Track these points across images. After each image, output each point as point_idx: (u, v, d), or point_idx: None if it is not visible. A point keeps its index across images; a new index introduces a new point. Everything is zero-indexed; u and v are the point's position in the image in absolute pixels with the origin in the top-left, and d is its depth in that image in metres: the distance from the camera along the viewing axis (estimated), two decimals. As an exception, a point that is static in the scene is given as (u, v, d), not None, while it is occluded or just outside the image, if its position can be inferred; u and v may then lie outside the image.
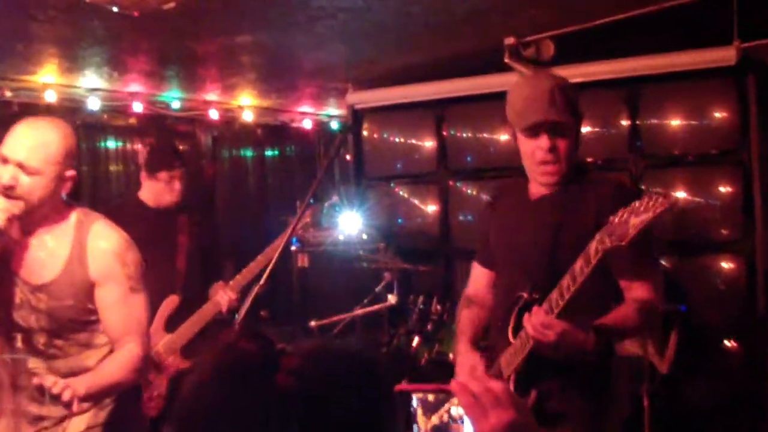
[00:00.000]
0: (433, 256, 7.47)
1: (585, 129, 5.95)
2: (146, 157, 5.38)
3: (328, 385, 1.46)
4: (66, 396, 2.86)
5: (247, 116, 9.06)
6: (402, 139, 7.92)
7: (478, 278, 3.70)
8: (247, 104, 8.85)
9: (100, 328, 3.26)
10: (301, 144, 10.18)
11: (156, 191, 5.22)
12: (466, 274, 3.86)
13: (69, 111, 7.34)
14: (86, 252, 3.18)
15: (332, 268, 7.62)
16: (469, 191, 7.54)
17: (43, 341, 3.19)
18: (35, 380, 2.90)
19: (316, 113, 9.85)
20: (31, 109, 6.79)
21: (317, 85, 8.05)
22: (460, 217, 7.59)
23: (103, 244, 3.19)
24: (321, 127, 10.20)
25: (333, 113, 9.93)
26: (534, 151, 3.24)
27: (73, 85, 7.18)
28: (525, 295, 3.19)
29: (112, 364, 3.18)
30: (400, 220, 7.93)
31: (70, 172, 3.17)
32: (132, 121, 8.13)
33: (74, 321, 3.21)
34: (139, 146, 8.22)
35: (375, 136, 8.09)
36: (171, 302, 5.13)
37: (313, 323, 6.71)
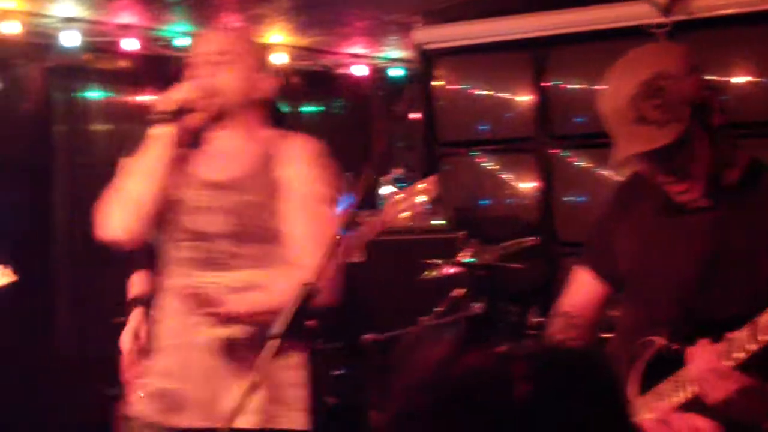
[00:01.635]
0: (530, 251, 6.85)
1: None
2: None
3: (559, 387, 1.61)
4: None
5: (279, 59, 8.79)
6: (488, 92, 7.72)
7: (583, 290, 3.52)
8: (279, 42, 8.61)
9: (278, 242, 3.49)
10: (351, 97, 10.08)
11: None
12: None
13: (37, 49, 7.34)
14: (279, 153, 3.52)
15: (393, 265, 7.12)
16: (579, 163, 7.34)
17: (218, 249, 3.45)
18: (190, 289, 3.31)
19: (371, 56, 9.70)
20: None
21: (373, 17, 7.97)
22: (567, 198, 7.42)
23: (298, 147, 3.53)
24: (378, 74, 10.05)
25: (394, 56, 9.73)
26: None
27: (43, 14, 7.11)
28: (659, 341, 3.03)
29: (278, 285, 3.35)
30: (484, 201, 7.81)
31: (261, 74, 3.60)
32: (122, 63, 8.04)
33: (256, 226, 3.46)
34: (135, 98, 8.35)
35: (451, 87, 7.90)
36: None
37: (366, 338, 6.37)
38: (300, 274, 3.34)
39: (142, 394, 3.62)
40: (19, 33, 6.95)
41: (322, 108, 10.08)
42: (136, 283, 4.66)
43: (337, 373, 6.44)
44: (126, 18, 7.44)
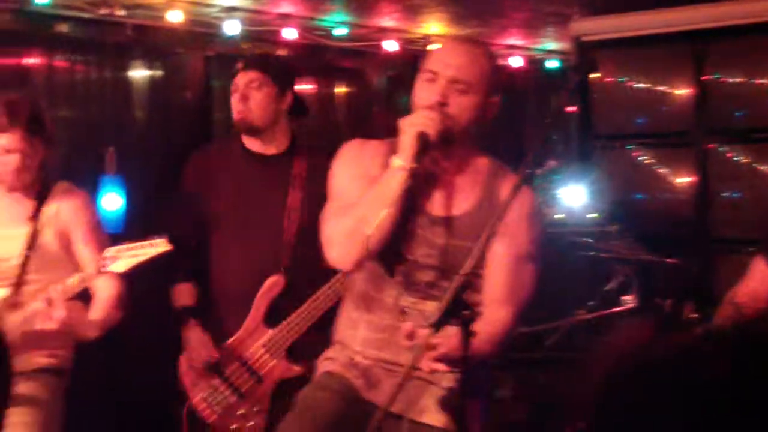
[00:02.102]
0: (687, 245, 7.20)
1: None
2: None
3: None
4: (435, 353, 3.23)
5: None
6: (645, 85, 7.75)
7: (760, 280, 3.68)
8: (436, 33, 8.57)
9: (479, 286, 3.52)
10: (507, 88, 9.42)
11: None
12: (732, 271, 4.02)
13: (199, 37, 7.35)
14: (499, 199, 3.49)
15: (545, 258, 7.03)
16: (737, 158, 7.35)
17: (426, 279, 3.54)
18: (406, 324, 3.33)
19: (527, 48, 9.62)
20: (150, 33, 6.93)
21: (530, 9, 7.88)
22: (725, 194, 7.43)
23: (518, 198, 3.45)
24: (534, 66, 9.95)
25: (551, 48, 9.68)
26: None
27: (206, 3, 7.09)
28: None
29: (481, 329, 3.30)
30: (639, 195, 7.88)
31: (495, 98, 3.55)
32: (281, 52, 7.81)
33: (462, 266, 3.41)
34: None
35: (608, 79, 7.93)
36: (274, 285, 4.94)
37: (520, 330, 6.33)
38: (496, 321, 3.47)
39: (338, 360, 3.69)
40: (182, 22, 6.97)
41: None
42: (184, 294, 4.82)
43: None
44: (286, 8, 7.40)
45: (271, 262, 5.01)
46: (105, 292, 4.23)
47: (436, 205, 3.59)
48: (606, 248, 6.63)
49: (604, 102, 7.83)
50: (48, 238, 4.26)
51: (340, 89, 8.48)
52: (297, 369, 4.96)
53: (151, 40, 6.89)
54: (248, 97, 4.90)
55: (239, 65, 5.10)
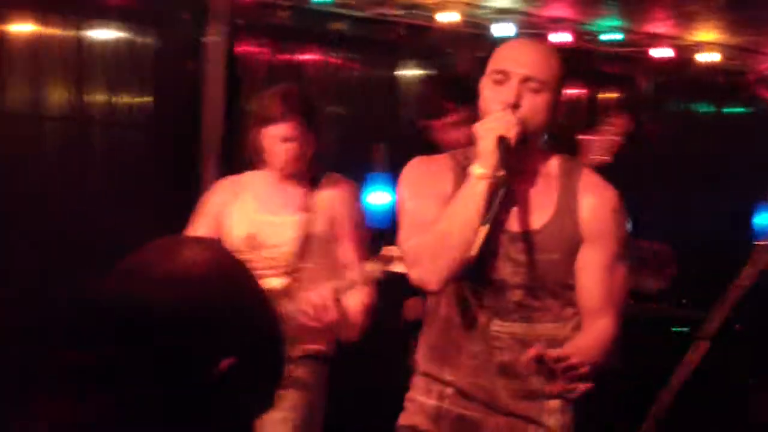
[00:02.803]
0: None
1: None
2: None
3: None
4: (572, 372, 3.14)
5: (707, 58, 8.71)
6: None
7: None
8: (708, 40, 8.50)
9: (573, 296, 3.44)
10: None
11: None
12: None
13: (469, 38, 7.40)
14: (578, 203, 3.40)
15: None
16: None
17: (515, 299, 3.39)
18: (533, 349, 3.13)
19: None
20: (421, 33, 7.05)
21: None
22: None
23: (598, 198, 3.42)
24: None
25: None
26: None
27: (478, 3, 7.17)
28: None
29: (586, 341, 3.35)
30: None
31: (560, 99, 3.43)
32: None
33: (555, 281, 3.41)
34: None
35: None
36: None
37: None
38: (599, 330, 3.40)
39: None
40: (456, 22, 7.05)
41: (746, 109, 9.77)
42: (413, 308, 4.80)
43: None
44: (558, 11, 7.43)
45: None
46: (368, 298, 4.26)
47: (513, 220, 3.39)
48: None
49: None
50: (320, 226, 4.31)
51: (609, 94, 8.40)
52: None
53: (422, 40, 6.93)
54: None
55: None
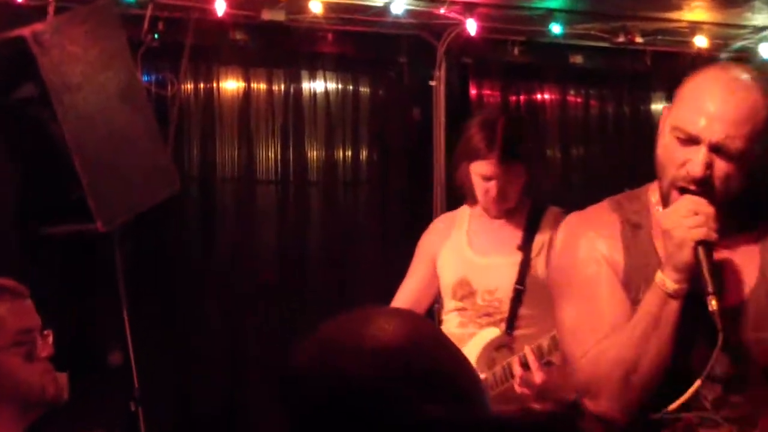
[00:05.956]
0: None
1: None
2: None
3: None
4: None
5: None
6: None
7: None
8: None
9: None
10: None
11: None
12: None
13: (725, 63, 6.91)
14: None
15: None
16: None
17: (712, 396, 2.89)
18: None
19: None
20: (670, 61, 6.77)
21: None
22: None
23: None
24: None
25: None
26: None
27: (733, 23, 6.76)
28: None
29: None
30: None
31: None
32: None
33: (762, 367, 2.93)
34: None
35: None
36: None
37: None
38: None
39: None
40: (706, 46, 6.75)
41: None
42: None
43: None
44: None
45: None
46: None
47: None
48: None
49: None
50: (540, 269, 4.04)
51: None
52: None
53: (669, 70, 6.67)
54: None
55: None
